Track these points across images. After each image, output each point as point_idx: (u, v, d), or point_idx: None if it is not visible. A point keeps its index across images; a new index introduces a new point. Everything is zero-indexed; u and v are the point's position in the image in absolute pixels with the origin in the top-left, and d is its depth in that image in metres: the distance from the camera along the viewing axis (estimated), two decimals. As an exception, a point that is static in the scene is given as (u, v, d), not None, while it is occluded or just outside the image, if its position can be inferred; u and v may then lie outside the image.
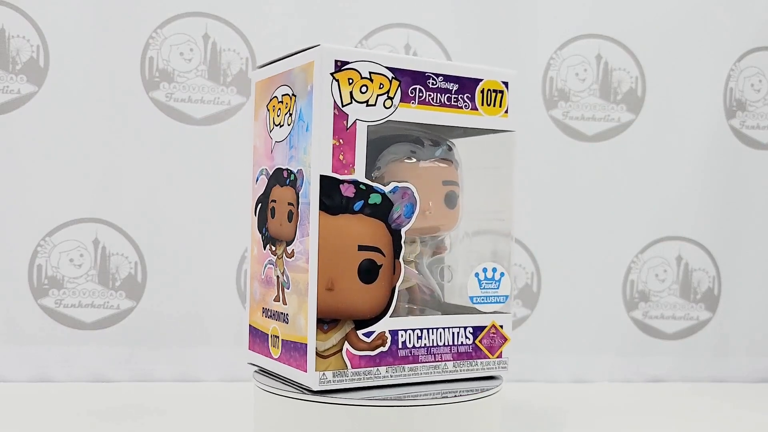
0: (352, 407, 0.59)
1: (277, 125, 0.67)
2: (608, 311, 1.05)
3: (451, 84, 0.65)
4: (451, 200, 0.68)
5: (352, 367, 0.62)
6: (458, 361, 0.66)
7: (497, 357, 0.68)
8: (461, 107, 0.65)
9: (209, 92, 0.98)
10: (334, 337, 0.61)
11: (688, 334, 1.06)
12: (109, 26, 0.95)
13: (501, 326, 0.68)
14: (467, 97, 0.66)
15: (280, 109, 0.66)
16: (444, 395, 0.62)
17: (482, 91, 0.66)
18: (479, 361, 0.67)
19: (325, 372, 0.61)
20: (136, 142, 0.96)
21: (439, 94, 0.65)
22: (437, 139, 0.69)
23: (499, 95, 0.67)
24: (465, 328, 0.67)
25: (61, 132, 0.95)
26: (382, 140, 0.67)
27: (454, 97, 0.65)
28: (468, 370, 0.67)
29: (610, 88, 1.04)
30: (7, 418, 0.79)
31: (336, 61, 0.61)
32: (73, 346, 0.95)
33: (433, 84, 0.64)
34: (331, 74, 0.60)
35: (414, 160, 0.68)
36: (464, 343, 0.67)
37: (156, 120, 0.96)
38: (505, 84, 0.67)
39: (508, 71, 0.68)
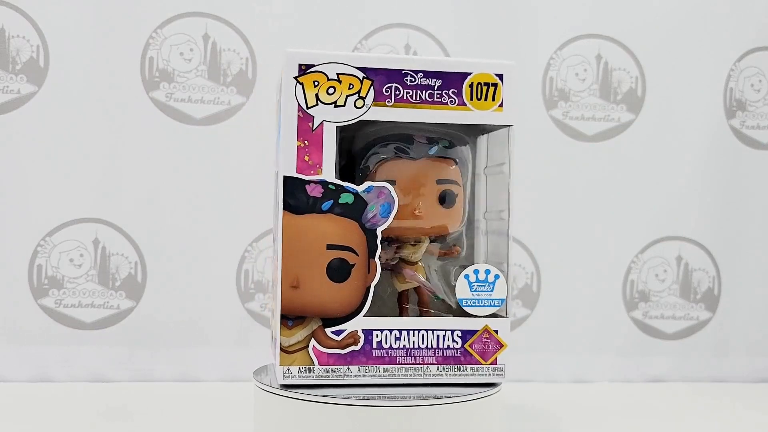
0: (353, 407, 0.59)
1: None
2: (608, 311, 1.04)
3: (434, 80, 0.64)
4: (446, 199, 0.66)
5: (320, 364, 0.63)
6: (444, 365, 0.65)
7: (491, 363, 0.65)
8: (446, 103, 0.64)
9: (209, 92, 0.98)
10: (299, 334, 0.63)
11: (688, 334, 1.06)
12: (109, 26, 0.95)
13: (496, 331, 0.65)
14: (453, 92, 0.64)
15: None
16: (444, 396, 0.62)
17: (471, 85, 0.64)
18: (469, 366, 0.65)
19: (290, 367, 0.63)
20: (136, 142, 0.96)
21: (419, 92, 0.63)
22: (435, 137, 0.68)
23: (492, 88, 0.65)
24: (452, 331, 0.65)
25: (61, 132, 0.95)
26: (373, 140, 0.67)
27: (438, 94, 0.64)
28: (455, 375, 0.65)
29: (610, 88, 1.04)
30: (7, 418, 0.79)
31: (300, 65, 0.62)
32: (73, 346, 0.95)
33: (411, 81, 0.63)
34: (295, 78, 0.62)
35: (402, 158, 0.66)
36: (451, 346, 0.65)
37: (156, 120, 0.96)
38: (500, 76, 0.65)
39: (503, 63, 0.65)
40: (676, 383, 1.04)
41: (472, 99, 0.64)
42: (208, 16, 0.97)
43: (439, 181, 0.66)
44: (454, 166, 0.67)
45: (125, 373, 0.96)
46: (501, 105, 0.65)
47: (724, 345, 1.07)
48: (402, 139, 0.66)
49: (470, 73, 0.64)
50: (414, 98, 0.64)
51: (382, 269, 0.66)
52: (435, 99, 0.64)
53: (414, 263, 0.68)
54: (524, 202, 0.99)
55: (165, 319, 0.97)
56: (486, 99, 0.65)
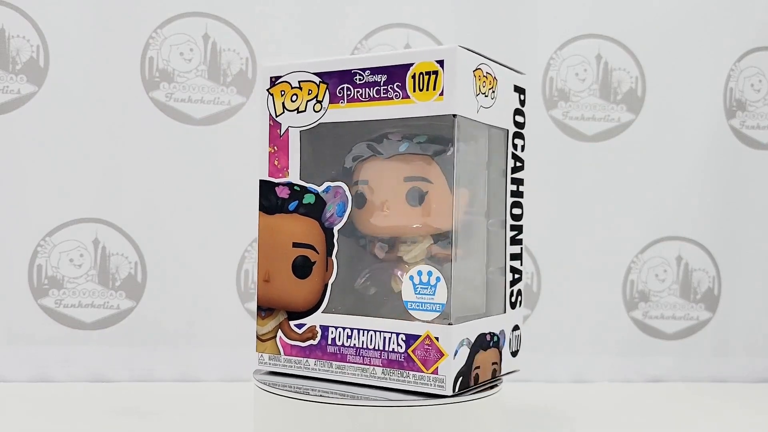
0: (353, 407, 0.60)
1: None
2: (608, 311, 1.04)
3: (379, 76, 0.63)
4: (413, 197, 0.64)
5: (285, 354, 0.68)
6: (388, 369, 0.63)
7: (432, 372, 0.61)
8: (392, 98, 0.62)
9: (209, 92, 0.98)
10: (270, 324, 0.68)
11: (688, 334, 1.06)
12: (109, 26, 0.95)
13: (437, 338, 0.61)
14: (397, 86, 0.62)
15: None
16: (442, 396, 0.62)
17: (413, 76, 0.62)
18: (411, 373, 0.62)
19: (263, 354, 0.69)
20: (136, 142, 0.96)
21: (367, 89, 0.63)
22: (415, 132, 0.66)
23: (433, 77, 0.61)
24: (397, 334, 0.63)
25: (61, 132, 0.95)
26: (351, 142, 0.67)
27: (384, 89, 0.63)
28: (398, 380, 0.63)
29: (610, 88, 1.04)
30: (7, 418, 0.79)
31: (271, 78, 0.68)
32: (73, 346, 0.95)
33: (360, 80, 0.63)
34: (267, 90, 0.68)
35: (376, 157, 0.65)
36: (395, 350, 0.63)
37: (156, 120, 0.96)
38: (440, 63, 0.61)
39: (446, 47, 0.61)
40: (676, 383, 1.04)
41: (414, 90, 0.62)
42: (208, 16, 0.97)
43: (407, 179, 0.65)
44: (431, 163, 0.65)
45: (125, 373, 0.96)
46: (441, 93, 0.61)
47: (724, 345, 1.06)
48: (374, 139, 0.66)
49: (413, 64, 0.62)
50: (363, 96, 0.64)
51: (381, 269, 0.66)
52: (381, 95, 0.63)
53: (411, 264, 0.67)
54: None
55: (165, 319, 0.97)
56: (427, 89, 0.61)
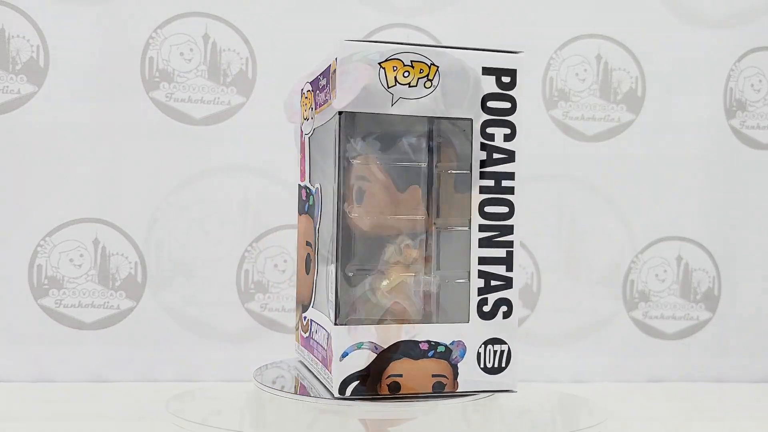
0: (351, 408, 0.59)
1: None
2: (608, 311, 1.04)
3: (325, 80, 0.63)
4: (357, 196, 0.62)
5: (301, 345, 0.72)
6: (323, 366, 0.63)
7: (330, 372, 0.60)
8: (329, 99, 0.62)
9: (209, 92, 0.98)
10: (296, 316, 0.74)
11: (688, 334, 1.06)
12: (109, 26, 0.95)
13: (331, 338, 0.60)
14: (330, 87, 0.61)
15: None
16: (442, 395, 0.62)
17: (332, 77, 0.61)
18: (326, 370, 0.62)
19: (295, 342, 0.74)
20: (136, 143, 0.96)
21: (323, 94, 0.63)
22: (368, 132, 0.63)
23: (335, 75, 0.59)
24: (328, 333, 0.61)
25: (61, 132, 0.95)
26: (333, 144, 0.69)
27: (326, 92, 0.62)
28: (325, 377, 0.62)
29: (610, 88, 1.04)
30: (7, 418, 0.79)
31: (300, 91, 0.72)
32: (73, 346, 0.95)
33: (322, 85, 0.64)
34: (299, 101, 0.73)
35: (354, 158, 0.65)
36: (326, 348, 0.62)
37: (156, 120, 0.96)
38: (336, 60, 0.59)
39: (337, 44, 0.59)
40: (676, 383, 1.04)
41: (332, 90, 0.61)
42: (208, 16, 0.97)
43: (356, 177, 0.62)
44: (373, 162, 0.62)
45: (125, 373, 0.96)
46: (335, 92, 0.59)
47: (724, 345, 1.06)
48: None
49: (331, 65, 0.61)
50: (322, 101, 0.64)
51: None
52: (326, 98, 0.63)
53: (390, 263, 0.63)
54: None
55: (165, 319, 0.97)
56: (334, 88, 0.60)
